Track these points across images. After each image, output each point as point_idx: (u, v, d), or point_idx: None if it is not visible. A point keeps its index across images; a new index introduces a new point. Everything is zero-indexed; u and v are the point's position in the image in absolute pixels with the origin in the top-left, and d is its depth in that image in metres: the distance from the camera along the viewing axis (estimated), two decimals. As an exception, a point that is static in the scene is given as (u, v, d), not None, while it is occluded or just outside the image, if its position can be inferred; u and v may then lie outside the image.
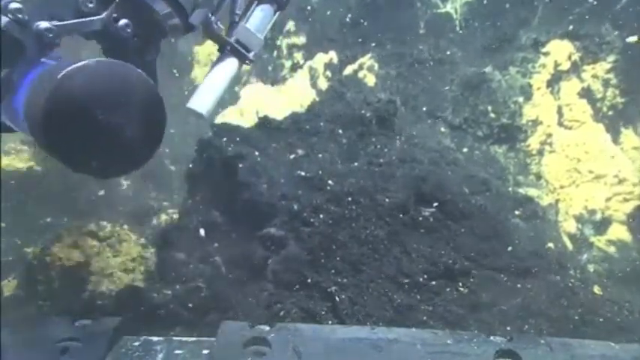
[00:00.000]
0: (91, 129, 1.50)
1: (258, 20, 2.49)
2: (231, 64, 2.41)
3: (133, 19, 1.90)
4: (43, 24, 1.67)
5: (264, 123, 3.78)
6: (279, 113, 4.00)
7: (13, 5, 1.60)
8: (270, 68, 5.20)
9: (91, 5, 1.80)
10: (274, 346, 2.22)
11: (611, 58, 4.38)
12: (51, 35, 1.68)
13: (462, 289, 3.03)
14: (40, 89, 1.51)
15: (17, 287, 3.77)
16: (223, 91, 2.39)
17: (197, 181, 3.71)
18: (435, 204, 3.33)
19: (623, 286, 3.57)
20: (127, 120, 1.56)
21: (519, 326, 2.82)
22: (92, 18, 1.81)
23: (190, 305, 3.09)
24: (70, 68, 1.45)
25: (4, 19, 1.60)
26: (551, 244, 3.59)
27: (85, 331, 2.35)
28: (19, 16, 1.61)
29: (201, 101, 2.30)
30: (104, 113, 1.50)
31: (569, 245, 3.88)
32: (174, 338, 2.43)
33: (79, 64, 1.47)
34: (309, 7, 5.14)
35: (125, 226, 4.12)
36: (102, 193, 4.35)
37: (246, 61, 2.47)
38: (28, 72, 1.65)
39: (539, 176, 4.24)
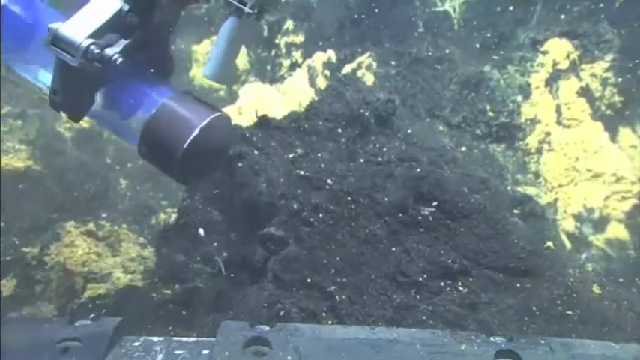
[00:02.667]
0: (202, 160, 1.95)
1: None
2: (230, 23, 2.49)
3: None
4: (116, 56, 1.84)
5: (263, 122, 3.77)
6: (277, 112, 4.00)
7: (94, 49, 1.79)
8: (268, 67, 5.19)
9: (133, 19, 1.93)
10: (274, 346, 2.22)
11: (610, 56, 4.38)
12: (120, 62, 1.84)
13: (461, 288, 3.04)
14: (171, 131, 1.86)
15: (16, 287, 3.77)
16: (231, 51, 2.51)
17: (196, 181, 3.71)
18: (434, 203, 3.33)
19: (622, 284, 3.58)
20: (221, 150, 2.15)
21: (519, 325, 2.83)
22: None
23: (190, 305, 3.08)
24: (207, 121, 1.87)
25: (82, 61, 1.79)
26: (549, 243, 3.59)
27: (85, 331, 2.34)
28: (94, 56, 1.80)
29: (211, 69, 2.48)
30: (212, 150, 2.00)
31: (568, 244, 3.88)
32: (174, 338, 2.43)
33: (213, 116, 1.90)
34: (307, 6, 5.13)
35: (124, 226, 4.12)
36: (101, 193, 4.34)
37: (244, 14, 2.51)
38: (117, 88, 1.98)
39: (537, 175, 4.24)
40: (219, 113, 1.95)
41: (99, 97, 2.01)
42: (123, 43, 1.89)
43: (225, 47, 2.47)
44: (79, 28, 1.83)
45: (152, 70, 2.12)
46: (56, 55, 1.85)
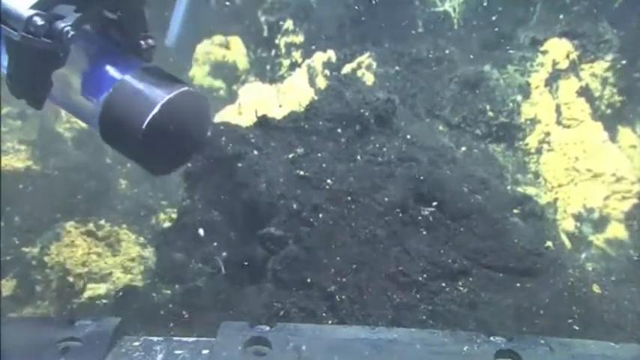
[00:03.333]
0: (169, 143, 1.79)
1: None
2: None
3: None
4: (68, 28, 1.68)
5: (263, 122, 3.77)
6: (277, 112, 4.00)
7: (38, 22, 1.62)
8: (268, 67, 5.20)
9: None
10: (274, 346, 2.22)
11: (610, 56, 4.38)
12: (71, 36, 1.69)
13: (461, 288, 3.04)
14: (131, 110, 1.71)
15: (16, 287, 3.77)
16: (185, 15, 2.42)
17: (196, 181, 3.71)
18: (434, 203, 3.33)
19: (622, 284, 3.58)
20: (194, 133, 1.92)
21: (519, 325, 2.83)
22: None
23: (190, 305, 3.08)
24: (170, 97, 1.71)
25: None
26: (549, 243, 3.59)
27: (85, 331, 2.34)
28: (41, 31, 1.63)
29: (170, 35, 2.42)
30: (182, 131, 1.82)
31: (568, 244, 3.88)
32: (174, 338, 2.43)
33: (177, 92, 1.73)
34: (307, 6, 5.13)
35: (124, 226, 4.12)
36: (101, 193, 4.34)
37: None
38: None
39: (537, 175, 4.24)
40: (185, 88, 1.77)
41: (59, 81, 1.83)
42: (75, 15, 1.72)
43: (184, 11, 2.36)
44: None
45: (126, 50, 1.93)
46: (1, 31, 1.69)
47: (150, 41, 1.98)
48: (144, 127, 1.66)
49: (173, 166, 2.04)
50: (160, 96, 1.70)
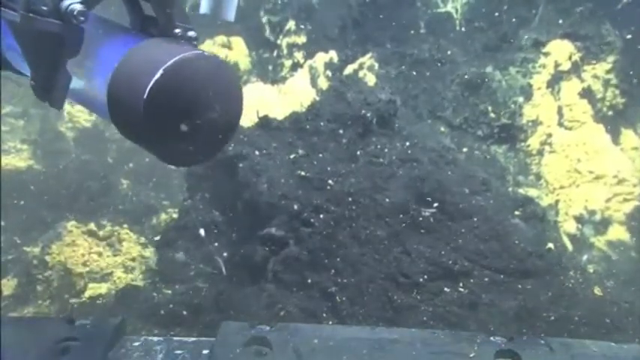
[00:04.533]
0: (186, 123, 1.48)
1: None
2: None
3: None
4: (76, 6, 1.46)
5: (264, 122, 3.77)
6: (279, 113, 4.00)
7: None
8: (270, 68, 5.20)
9: None
10: (274, 346, 2.22)
11: (612, 58, 4.38)
12: (83, 18, 1.48)
13: (462, 289, 3.04)
14: (135, 81, 1.42)
15: (17, 286, 3.77)
16: None
17: (197, 181, 3.71)
18: (435, 204, 3.33)
19: (623, 286, 3.57)
20: (216, 111, 1.54)
21: (519, 326, 2.82)
22: None
23: (190, 305, 3.08)
24: (176, 60, 1.40)
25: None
26: (551, 245, 3.59)
27: (85, 331, 2.34)
28: (44, 8, 1.43)
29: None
30: (201, 107, 1.49)
31: (569, 246, 3.88)
32: (174, 338, 2.42)
33: (184, 56, 1.42)
34: (309, 7, 5.14)
35: (125, 225, 4.12)
36: (103, 192, 4.35)
37: None
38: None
39: (539, 176, 4.24)
40: (198, 51, 1.47)
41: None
42: None
43: None
44: None
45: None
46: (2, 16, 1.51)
47: (190, 33, 1.72)
48: (145, 97, 1.37)
49: (200, 156, 1.64)
50: (163, 60, 1.40)
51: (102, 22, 1.65)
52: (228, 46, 5.16)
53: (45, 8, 1.42)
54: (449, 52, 4.73)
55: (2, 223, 3.97)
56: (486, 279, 3.09)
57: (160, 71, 1.37)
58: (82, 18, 1.47)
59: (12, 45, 1.62)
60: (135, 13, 1.71)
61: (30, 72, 1.60)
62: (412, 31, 4.90)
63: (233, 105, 1.60)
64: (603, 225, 3.96)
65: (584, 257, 3.83)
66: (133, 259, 3.92)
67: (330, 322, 2.81)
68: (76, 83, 1.60)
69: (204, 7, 2.13)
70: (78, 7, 1.46)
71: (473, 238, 3.26)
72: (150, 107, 1.38)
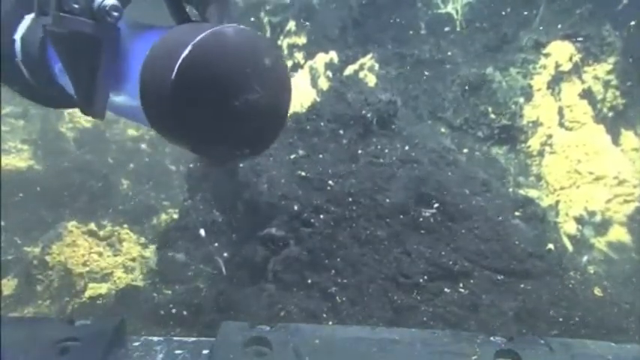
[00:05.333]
0: (227, 104, 1.28)
1: None
2: None
3: None
4: (107, 1, 1.38)
5: (265, 123, 3.77)
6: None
7: None
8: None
9: None
10: (274, 346, 2.22)
11: (612, 59, 4.37)
12: (116, 14, 1.40)
13: (462, 289, 3.03)
14: (162, 65, 1.26)
15: (17, 286, 3.77)
16: None
17: (197, 181, 3.71)
18: (436, 205, 3.33)
19: (624, 287, 3.57)
20: (257, 91, 1.33)
21: (519, 327, 2.82)
22: None
23: (190, 305, 3.08)
24: (202, 36, 1.23)
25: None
26: (551, 246, 3.59)
27: (85, 331, 2.34)
28: (75, 5, 1.34)
29: None
30: (236, 84, 1.29)
31: (570, 246, 3.87)
32: (175, 338, 2.42)
33: (212, 30, 1.26)
34: (310, 8, 5.14)
35: (125, 226, 4.12)
36: (103, 192, 4.35)
37: None
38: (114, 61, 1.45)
39: (539, 177, 4.24)
40: (231, 25, 1.30)
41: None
42: None
43: None
44: None
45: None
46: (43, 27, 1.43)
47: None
48: (173, 77, 1.21)
49: (244, 149, 1.41)
50: (192, 37, 1.24)
51: (136, 25, 1.55)
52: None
53: (77, 6, 1.35)
54: (449, 53, 4.73)
55: (2, 223, 3.97)
56: (486, 279, 3.09)
57: (189, 47, 1.22)
58: (115, 14, 1.40)
59: (62, 68, 1.55)
60: (179, 18, 1.59)
61: (73, 85, 1.51)
62: (412, 32, 4.90)
63: (277, 86, 1.41)
64: (603, 226, 3.96)
65: (585, 258, 3.83)
66: (133, 260, 3.92)
67: (330, 322, 2.81)
68: (113, 94, 1.50)
69: None
70: (110, 1, 1.38)
71: (473, 238, 3.26)
72: (179, 90, 1.23)
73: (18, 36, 1.69)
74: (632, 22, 4.39)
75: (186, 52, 1.21)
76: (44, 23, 1.40)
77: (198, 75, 1.23)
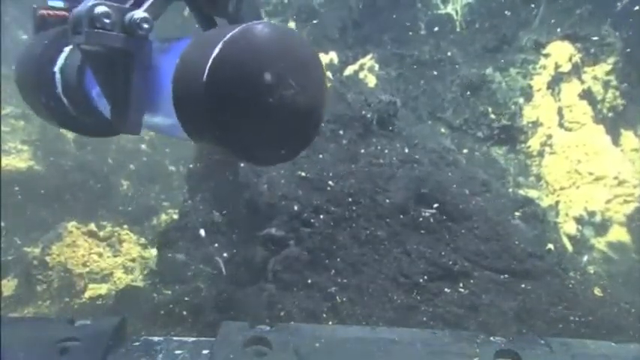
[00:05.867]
0: (262, 101, 1.25)
1: None
2: None
3: None
4: (138, 14, 1.38)
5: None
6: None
7: (100, 9, 1.34)
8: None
9: None
10: (274, 346, 2.22)
11: (612, 59, 4.38)
12: (147, 26, 1.40)
13: (462, 289, 3.03)
14: (192, 69, 1.24)
15: (17, 287, 3.77)
16: None
17: (197, 182, 3.71)
18: (435, 205, 3.33)
19: (624, 287, 3.57)
20: (292, 87, 1.29)
21: (519, 327, 2.82)
22: None
23: (190, 305, 3.08)
24: (231, 34, 1.21)
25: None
26: (551, 246, 3.59)
27: (85, 331, 2.34)
28: (106, 20, 1.36)
29: None
30: (275, 81, 1.25)
31: (569, 247, 3.87)
32: (174, 338, 2.42)
33: (241, 27, 1.23)
34: (310, 8, 5.14)
35: (125, 226, 4.12)
36: (103, 193, 4.35)
37: None
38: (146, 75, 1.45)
39: (539, 177, 4.24)
40: (262, 22, 1.28)
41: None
42: (150, 0, 1.43)
43: None
44: None
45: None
46: (74, 44, 1.43)
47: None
48: (205, 77, 1.18)
49: (282, 149, 1.38)
50: (222, 36, 1.21)
51: (166, 38, 1.55)
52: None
53: (108, 21, 1.36)
54: (449, 54, 4.73)
55: (2, 224, 3.97)
56: (486, 279, 3.09)
57: (219, 46, 1.20)
58: (146, 26, 1.40)
59: (99, 91, 1.56)
60: (207, 27, 1.64)
61: (108, 103, 1.52)
62: (412, 33, 4.91)
63: (313, 82, 1.34)
64: (603, 226, 3.96)
65: (585, 258, 3.83)
66: (133, 260, 3.92)
67: (330, 322, 2.81)
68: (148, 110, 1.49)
69: None
70: (141, 14, 1.39)
71: (473, 238, 3.26)
72: (212, 90, 1.20)
73: (57, 68, 1.74)
74: (632, 23, 4.39)
75: (216, 51, 1.20)
76: (77, 42, 1.40)
77: (230, 73, 1.21)
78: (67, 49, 1.75)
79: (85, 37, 1.36)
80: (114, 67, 1.43)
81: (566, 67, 4.43)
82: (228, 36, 1.20)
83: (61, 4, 1.89)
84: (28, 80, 1.83)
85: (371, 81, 4.62)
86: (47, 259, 3.78)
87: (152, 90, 1.43)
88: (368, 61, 4.73)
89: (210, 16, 1.65)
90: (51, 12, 1.88)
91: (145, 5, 1.42)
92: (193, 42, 1.34)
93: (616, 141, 4.30)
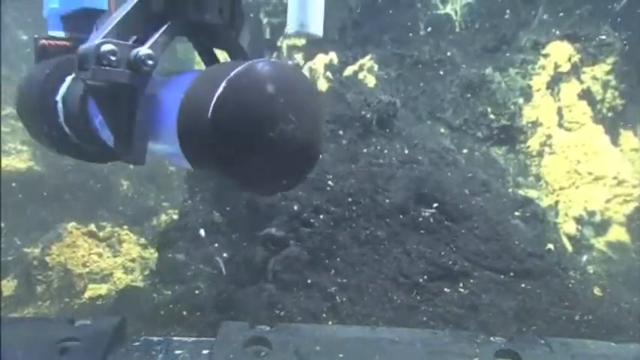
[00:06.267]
0: (264, 136, 1.32)
1: None
2: None
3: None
4: (143, 51, 1.46)
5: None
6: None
7: (107, 47, 1.41)
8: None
9: (164, 5, 1.57)
10: (274, 346, 2.22)
11: (611, 59, 4.38)
12: (151, 63, 1.46)
13: (462, 289, 3.04)
14: (197, 105, 1.31)
15: (17, 287, 3.77)
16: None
17: (197, 182, 3.71)
18: (435, 204, 3.33)
19: (623, 287, 3.57)
20: (298, 124, 1.37)
21: (519, 327, 2.82)
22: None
23: (190, 305, 3.08)
24: (235, 72, 1.28)
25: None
26: (550, 245, 3.59)
27: (85, 331, 2.34)
28: (113, 58, 1.43)
29: (299, 19, 2.07)
30: (276, 117, 1.33)
31: (569, 246, 3.88)
32: (174, 338, 2.42)
33: (244, 66, 1.30)
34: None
35: (125, 226, 4.12)
36: (103, 194, 4.35)
37: None
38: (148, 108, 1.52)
39: (538, 177, 4.24)
40: (262, 60, 1.35)
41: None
42: (154, 37, 1.50)
43: None
44: (94, 36, 1.48)
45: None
46: (80, 79, 1.51)
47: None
48: (209, 115, 1.26)
49: (283, 179, 1.46)
50: (225, 74, 1.28)
51: (167, 72, 1.62)
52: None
53: (114, 58, 1.42)
54: (448, 54, 4.73)
55: (2, 224, 3.97)
56: (486, 279, 3.09)
57: (222, 84, 1.26)
58: (150, 62, 1.46)
59: (103, 121, 1.63)
60: (210, 62, 1.73)
61: (112, 135, 1.58)
62: (412, 33, 4.91)
63: (312, 116, 1.43)
64: (603, 226, 3.97)
65: (584, 258, 3.84)
66: (133, 260, 3.92)
67: (330, 322, 2.81)
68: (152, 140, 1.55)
69: (291, 27, 2.09)
70: (146, 51, 1.45)
71: (473, 238, 3.27)
72: (217, 127, 1.27)
73: (59, 97, 1.80)
74: (631, 23, 4.40)
75: (220, 89, 1.26)
76: (84, 77, 1.47)
77: (234, 110, 1.27)
78: (68, 79, 1.81)
79: (92, 74, 1.42)
80: (118, 101, 1.50)
81: (565, 67, 4.43)
82: (232, 74, 1.27)
83: (61, 34, 2.00)
84: (30, 109, 1.91)
85: (370, 81, 4.62)
86: (47, 259, 3.78)
87: (155, 122, 1.50)
88: (367, 61, 4.73)
89: (211, 50, 1.75)
90: (52, 42, 1.97)
91: (150, 42, 1.48)
92: (198, 78, 1.39)
93: (615, 141, 4.30)
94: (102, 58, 1.41)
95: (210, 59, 1.76)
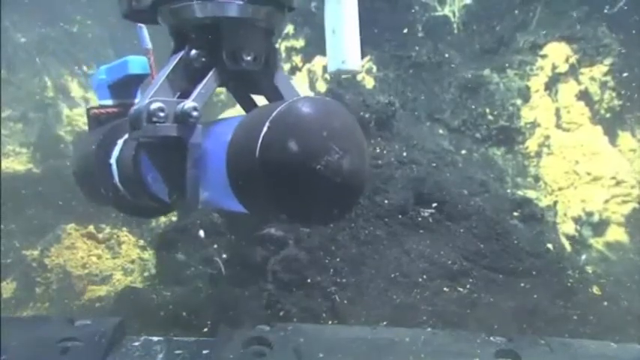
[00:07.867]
0: (310, 169, 1.37)
1: None
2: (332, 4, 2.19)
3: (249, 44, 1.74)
4: (188, 104, 1.59)
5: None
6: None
7: (155, 105, 1.56)
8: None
9: (203, 59, 1.70)
10: (274, 346, 2.22)
11: (609, 60, 4.39)
12: (196, 114, 1.60)
13: (461, 289, 3.04)
14: (245, 147, 1.39)
15: (16, 289, 3.77)
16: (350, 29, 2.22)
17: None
18: (434, 204, 3.34)
19: (622, 287, 3.58)
20: (342, 153, 1.42)
21: (519, 326, 2.83)
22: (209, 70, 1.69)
23: (190, 306, 3.08)
24: (278, 110, 1.36)
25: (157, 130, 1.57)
26: (549, 245, 3.60)
27: (85, 331, 2.34)
28: (162, 114, 1.57)
29: (340, 58, 2.19)
30: (320, 150, 1.38)
31: (568, 246, 3.88)
32: (174, 338, 2.42)
33: (284, 105, 1.38)
34: (307, 11, 5.14)
35: (124, 228, 4.12)
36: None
37: None
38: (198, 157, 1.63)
39: (537, 178, 4.24)
40: (303, 98, 1.44)
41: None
42: (196, 90, 1.63)
43: (344, 26, 2.18)
44: (143, 98, 1.62)
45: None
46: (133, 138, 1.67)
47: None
48: (257, 154, 1.33)
49: (332, 210, 1.51)
50: (268, 115, 1.36)
51: (209, 122, 1.73)
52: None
53: (162, 114, 1.56)
54: (447, 55, 4.74)
55: (1, 227, 3.97)
56: (485, 279, 3.10)
57: (266, 125, 1.34)
58: (195, 113, 1.58)
59: (155, 176, 1.77)
60: (249, 107, 1.89)
61: (166, 186, 1.71)
62: (410, 35, 4.91)
63: (355, 145, 1.49)
64: (601, 226, 3.97)
65: (583, 258, 3.84)
66: (133, 262, 3.92)
67: (330, 322, 2.81)
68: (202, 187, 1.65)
69: (331, 66, 2.23)
70: (191, 104, 1.58)
71: (472, 238, 3.28)
72: (265, 166, 1.34)
73: (113, 160, 1.97)
74: (629, 24, 4.41)
75: (265, 129, 1.34)
76: (137, 136, 1.62)
77: (279, 147, 1.33)
78: (119, 142, 1.99)
79: (144, 131, 1.57)
80: (169, 153, 1.64)
81: (563, 68, 4.44)
82: (273, 114, 1.35)
83: (110, 102, 2.22)
84: (86, 173, 2.09)
85: (369, 83, 4.62)
86: (46, 261, 3.78)
87: (204, 169, 1.62)
88: (366, 62, 4.73)
89: (248, 96, 1.92)
90: (102, 110, 2.20)
91: (193, 96, 1.62)
92: (241, 123, 1.49)
93: (613, 141, 4.31)
94: (152, 116, 1.55)
95: (248, 104, 1.93)
